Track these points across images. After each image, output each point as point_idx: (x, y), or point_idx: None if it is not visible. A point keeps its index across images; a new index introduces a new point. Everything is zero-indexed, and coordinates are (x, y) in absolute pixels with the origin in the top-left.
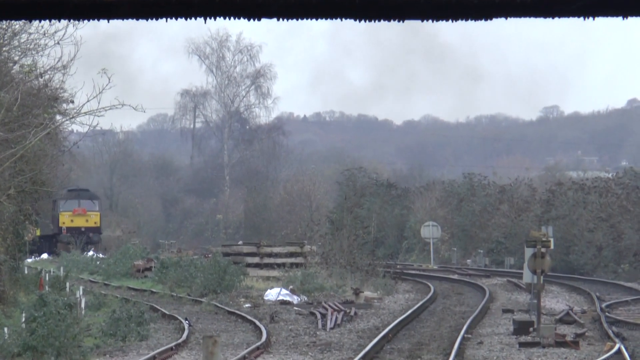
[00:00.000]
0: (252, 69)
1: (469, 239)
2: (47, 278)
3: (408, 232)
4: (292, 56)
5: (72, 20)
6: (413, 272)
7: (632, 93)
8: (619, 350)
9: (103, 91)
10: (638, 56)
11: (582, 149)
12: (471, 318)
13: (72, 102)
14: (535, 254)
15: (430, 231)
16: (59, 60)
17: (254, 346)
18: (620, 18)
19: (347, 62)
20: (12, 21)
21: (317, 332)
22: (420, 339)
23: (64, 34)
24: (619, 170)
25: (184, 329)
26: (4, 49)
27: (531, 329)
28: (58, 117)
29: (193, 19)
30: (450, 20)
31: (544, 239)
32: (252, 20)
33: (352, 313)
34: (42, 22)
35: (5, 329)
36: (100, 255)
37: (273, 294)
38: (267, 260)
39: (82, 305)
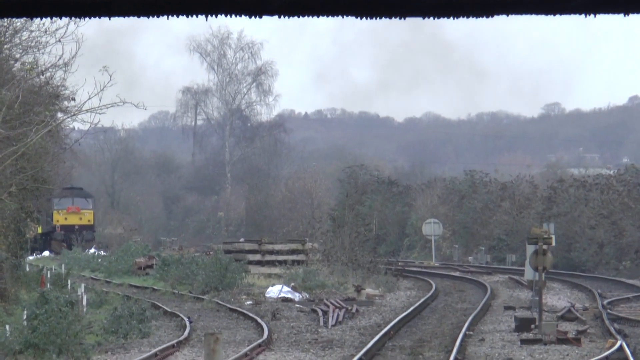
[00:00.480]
0: (254, 67)
1: (470, 236)
2: (48, 275)
3: (409, 229)
4: (296, 54)
5: (73, 18)
6: (414, 269)
7: (634, 90)
8: (621, 347)
9: (104, 89)
10: (639, 53)
11: (583, 146)
12: (473, 315)
13: (74, 99)
14: (536, 251)
15: (431, 228)
16: (60, 58)
17: (255, 343)
18: (621, 15)
19: (351, 60)
20: (14, 19)
21: (319, 330)
22: (422, 336)
23: (65, 32)
24: (621, 167)
25: (185, 327)
26: (6, 46)
27: (533, 326)
28: (59, 114)
29: (194, 16)
30: (451, 18)
31: (545, 236)
32: (253, 17)
33: (353, 310)
34: (44, 19)
35: (7, 327)
36: (102, 253)
37: (274, 291)
38: (268, 257)
39: (84, 302)
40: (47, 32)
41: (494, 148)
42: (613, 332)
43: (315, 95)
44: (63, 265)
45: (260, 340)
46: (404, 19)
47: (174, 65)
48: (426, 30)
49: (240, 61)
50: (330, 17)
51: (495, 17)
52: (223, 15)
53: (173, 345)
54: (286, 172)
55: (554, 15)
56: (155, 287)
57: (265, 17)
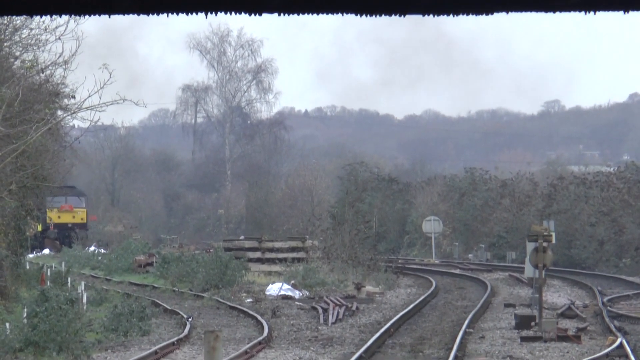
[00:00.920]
0: (254, 64)
1: (470, 233)
2: (48, 273)
3: (410, 226)
4: (297, 52)
5: (73, 16)
6: (415, 266)
7: (634, 87)
8: (621, 344)
9: (104, 86)
10: (639, 50)
11: (583, 143)
12: (473, 312)
13: (74, 97)
14: (537, 248)
15: (431, 226)
16: (60, 56)
17: (255, 341)
18: (621, 12)
19: (352, 57)
20: (13, 17)
21: (319, 327)
22: (422, 333)
23: (65, 30)
24: (621, 164)
25: (185, 324)
26: (5, 44)
27: (533, 324)
28: (59, 112)
29: (194, 13)
30: (451, 15)
31: (545, 233)
32: (253, 15)
33: (353, 308)
34: (43, 17)
35: (7, 324)
36: (102, 250)
37: (275, 288)
38: (268, 255)
39: (84, 300)
40: (47, 30)
41: (494, 145)
42: (613, 329)
43: (316, 93)
44: (63, 263)
45: (260, 338)
46: (404, 16)
47: (176, 63)
48: (427, 27)
49: (240, 59)
50: (330, 14)
51: (495, 14)
52: (223, 13)
53: (173, 343)
54: (286, 170)
55: (554, 12)
56: (156, 285)
57: (265, 15)
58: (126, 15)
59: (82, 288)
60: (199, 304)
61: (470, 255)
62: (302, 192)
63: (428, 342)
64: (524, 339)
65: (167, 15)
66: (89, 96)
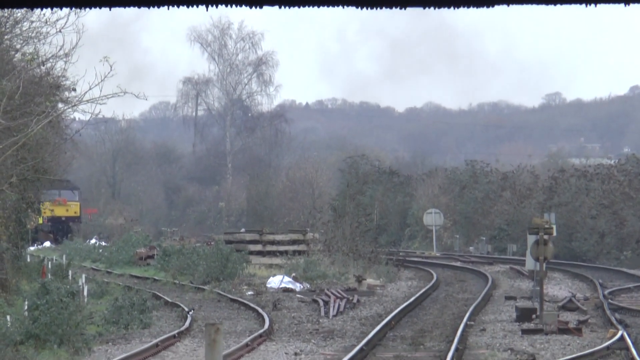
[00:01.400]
0: (254, 57)
1: (471, 226)
2: (49, 266)
3: (410, 219)
4: (298, 45)
5: (73, 9)
6: (415, 259)
7: (635, 80)
8: (622, 336)
9: (105, 79)
10: None
11: (584, 136)
12: (474, 305)
13: (75, 90)
14: (537, 241)
15: (432, 218)
16: (61, 49)
17: (256, 333)
18: (622, 5)
19: (354, 50)
20: (14, 9)
21: (320, 320)
22: (423, 326)
23: (66, 22)
24: (622, 157)
25: (186, 317)
26: (6, 37)
27: (534, 316)
28: (60, 105)
29: (194, 6)
30: (452, 8)
31: (546, 226)
32: (253, 7)
33: (354, 300)
34: (44, 10)
35: (8, 317)
36: (103, 243)
37: (275, 281)
38: (269, 247)
39: (85, 293)
40: (48, 23)
41: (495, 138)
42: (614, 322)
43: (317, 85)
44: (64, 256)
45: (261, 331)
46: (405, 9)
47: (178, 56)
48: (429, 20)
49: (241, 51)
50: (330, 7)
51: (496, 7)
52: (223, 6)
53: (174, 336)
54: (287, 162)
55: (555, 5)
56: (156, 278)
57: (265, 8)
58: (127, 8)
59: (83, 281)
60: (199, 297)
61: (471, 247)
62: (303, 185)
63: (429, 334)
64: (525, 332)
65: (168, 8)
66: (90, 89)
